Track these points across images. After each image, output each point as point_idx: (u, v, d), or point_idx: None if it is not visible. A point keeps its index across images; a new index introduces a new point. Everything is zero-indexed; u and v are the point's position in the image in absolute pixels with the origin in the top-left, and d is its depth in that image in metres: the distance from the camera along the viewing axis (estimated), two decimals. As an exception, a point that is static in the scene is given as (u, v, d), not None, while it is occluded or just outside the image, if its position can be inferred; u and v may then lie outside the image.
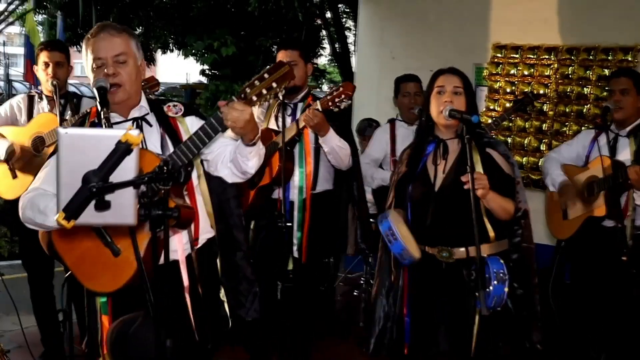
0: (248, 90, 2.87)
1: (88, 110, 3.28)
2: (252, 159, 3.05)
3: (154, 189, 2.35)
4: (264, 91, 2.87)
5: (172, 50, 15.23)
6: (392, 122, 5.52)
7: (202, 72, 15.25)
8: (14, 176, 4.56)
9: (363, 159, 5.15)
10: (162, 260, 2.83)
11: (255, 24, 13.40)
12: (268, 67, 2.92)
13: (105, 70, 2.90)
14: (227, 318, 3.20)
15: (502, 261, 3.15)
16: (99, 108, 2.80)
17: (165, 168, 2.33)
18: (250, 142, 2.98)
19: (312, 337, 4.97)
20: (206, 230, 3.15)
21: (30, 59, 8.51)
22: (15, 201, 4.06)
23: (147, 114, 3.04)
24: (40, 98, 4.80)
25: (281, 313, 4.71)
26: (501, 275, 3.08)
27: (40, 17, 14.87)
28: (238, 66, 13.58)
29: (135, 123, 3.02)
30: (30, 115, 4.75)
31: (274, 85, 2.88)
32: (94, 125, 3.02)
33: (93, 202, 2.21)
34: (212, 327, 3.10)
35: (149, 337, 2.61)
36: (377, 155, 5.41)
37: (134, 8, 12.89)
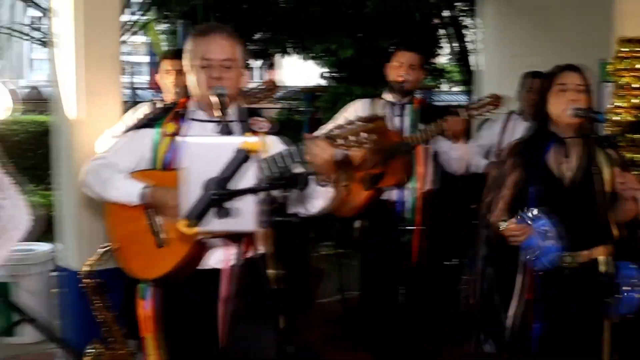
0: (336, 132, 2.81)
1: (173, 102, 3.32)
2: (319, 199, 2.97)
3: (272, 196, 2.35)
4: (351, 138, 2.79)
5: (290, 54, 15.38)
6: (508, 114, 5.44)
7: (322, 75, 15.34)
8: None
9: (471, 147, 5.08)
10: (206, 265, 2.90)
11: (373, 25, 13.36)
12: (363, 116, 2.85)
13: (211, 73, 2.91)
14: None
15: (634, 266, 3.01)
16: (219, 113, 2.82)
17: (284, 175, 2.32)
18: (322, 183, 2.91)
19: (435, 343, 4.92)
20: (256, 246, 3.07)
21: (154, 68, 8.70)
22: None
23: (233, 121, 2.99)
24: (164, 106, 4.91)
25: (404, 317, 4.68)
26: (634, 281, 2.95)
27: (162, 27, 15.27)
28: (356, 68, 13.58)
29: (219, 124, 3.01)
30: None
31: (363, 135, 2.78)
32: (178, 115, 3.05)
33: (213, 210, 2.24)
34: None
35: (270, 342, 2.60)
36: (485, 142, 5.34)
37: (253, 14, 13.06)
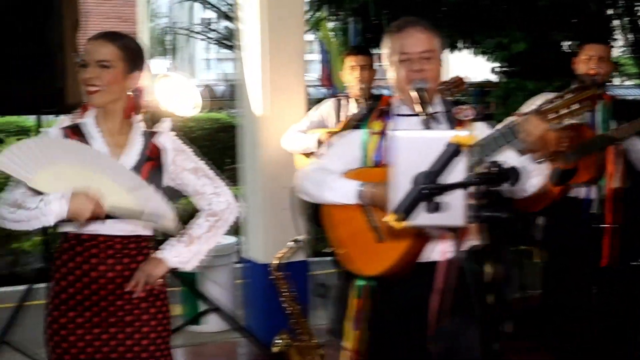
0: (547, 106, 2.74)
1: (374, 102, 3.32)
2: (536, 177, 2.91)
3: (482, 190, 2.31)
4: (564, 110, 2.72)
5: (460, 49, 15.18)
6: None
7: (492, 70, 15.04)
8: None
9: None
10: (425, 258, 2.86)
11: (546, 18, 12.96)
12: (572, 86, 2.78)
13: (411, 66, 2.90)
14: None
15: None
16: (420, 108, 2.82)
17: (495, 169, 2.28)
18: (538, 160, 2.85)
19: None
20: (471, 237, 3.01)
21: (326, 65, 8.79)
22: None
23: (438, 112, 2.97)
24: (347, 101, 4.97)
25: (595, 318, 4.53)
26: None
27: (332, 24, 15.43)
28: (529, 63, 13.22)
29: (424, 117, 2.98)
30: (338, 118, 4.94)
31: (575, 106, 2.71)
32: (382, 113, 3.05)
33: (423, 204, 2.22)
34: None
35: (475, 339, 2.56)
36: None
37: (423, 9, 12.95)
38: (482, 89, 15.35)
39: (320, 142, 4.75)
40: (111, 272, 2.82)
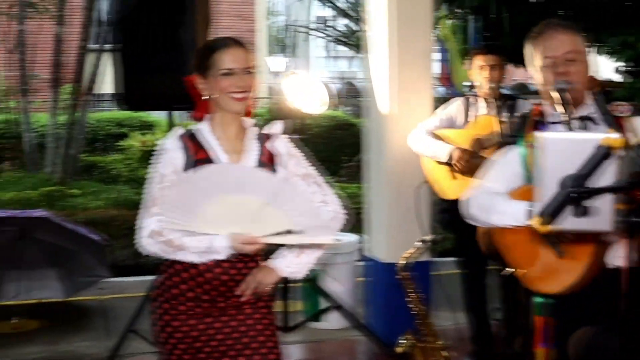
0: None
1: (528, 110, 3.24)
2: None
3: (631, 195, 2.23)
4: None
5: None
6: None
7: (616, 70, 14.57)
8: (453, 177, 4.73)
9: None
10: (607, 265, 2.75)
11: (676, 16, 12.47)
12: None
13: (557, 69, 2.83)
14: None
15: None
16: (561, 109, 2.75)
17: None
18: None
19: None
20: None
21: (445, 63, 8.76)
22: (454, 201, 4.21)
23: (594, 113, 2.89)
24: (476, 101, 4.91)
25: None
26: None
27: (450, 22, 15.26)
28: (657, 62, 12.76)
29: (581, 121, 2.90)
30: (467, 118, 4.89)
31: None
32: (537, 123, 2.97)
33: (570, 208, 2.17)
34: None
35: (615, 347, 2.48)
36: None
37: (546, 8, 12.66)
38: (605, 89, 14.92)
39: (451, 158, 4.70)
40: (225, 275, 2.85)
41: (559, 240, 2.67)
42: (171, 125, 4.95)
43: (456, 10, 14.49)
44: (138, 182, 10.64)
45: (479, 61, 4.85)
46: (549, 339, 2.91)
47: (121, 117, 14.39)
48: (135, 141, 12.47)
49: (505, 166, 3.01)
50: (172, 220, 2.73)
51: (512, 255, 2.95)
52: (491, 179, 3.02)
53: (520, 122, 3.08)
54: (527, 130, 2.96)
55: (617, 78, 14.62)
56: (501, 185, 2.95)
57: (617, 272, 2.75)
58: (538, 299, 2.94)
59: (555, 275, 2.79)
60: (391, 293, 4.91)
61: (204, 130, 2.92)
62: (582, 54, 2.87)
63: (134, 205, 9.42)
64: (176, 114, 5.44)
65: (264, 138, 2.96)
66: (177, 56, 4.33)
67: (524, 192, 2.84)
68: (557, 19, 3.01)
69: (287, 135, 3.03)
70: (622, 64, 14.27)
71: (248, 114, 2.94)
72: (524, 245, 2.86)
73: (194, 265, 2.84)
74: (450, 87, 9.07)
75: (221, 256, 2.76)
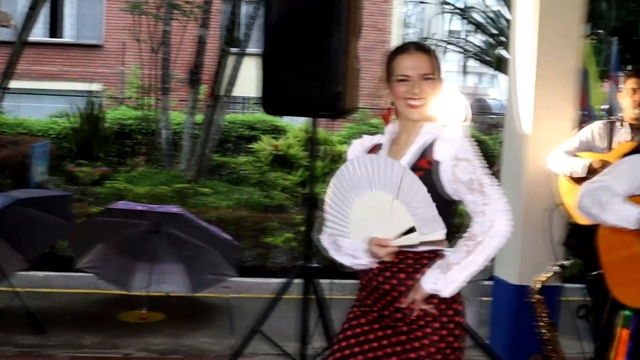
0: None
1: None
2: None
3: None
4: None
5: None
6: None
7: None
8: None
9: None
10: None
11: None
12: None
13: None
14: None
15: None
16: None
17: None
18: None
19: None
20: None
21: (585, 85, 8.51)
22: (585, 226, 4.07)
23: None
24: (621, 125, 4.75)
25: None
26: None
27: (591, 43, 14.88)
28: None
29: None
30: (609, 143, 4.74)
31: None
32: None
33: None
34: None
35: None
36: None
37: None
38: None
39: (590, 169, 4.56)
40: (387, 285, 2.80)
41: None
42: (313, 132, 5.00)
43: (598, 31, 14.14)
44: (267, 185, 10.86)
45: (631, 84, 4.69)
46: (629, 354, 2.83)
47: (254, 120, 14.69)
48: (266, 144, 12.66)
49: (632, 171, 2.93)
50: (329, 224, 2.77)
51: (607, 256, 2.87)
52: (614, 177, 2.96)
53: None
54: None
55: None
56: (621, 187, 2.89)
57: None
58: (627, 312, 2.84)
59: None
60: (518, 316, 4.81)
61: (383, 137, 2.93)
62: None
63: (263, 208, 9.63)
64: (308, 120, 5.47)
65: (432, 143, 2.82)
66: (324, 63, 4.36)
67: None
68: None
69: (466, 139, 2.82)
70: None
71: (428, 120, 2.86)
72: (622, 251, 2.80)
73: (365, 272, 2.84)
74: (586, 109, 8.82)
75: (363, 261, 2.74)
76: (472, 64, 19.17)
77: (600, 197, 2.87)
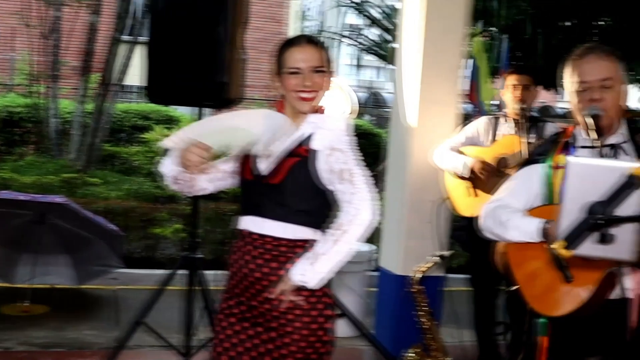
0: None
1: (557, 132, 3.21)
2: None
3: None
4: None
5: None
6: None
7: (643, 100, 14.51)
8: (472, 195, 4.71)
9: None
10: (614, 295, 2.71)
11: None
12: None
13: (590, 95, 2.80)
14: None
15: None
16: (594, 135, 2.73)
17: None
18: None
19: None
20: None
21: (474, 81, 8.69)
22: (471, 219, 4.19)
23: (625, 142, 2.85)
24: (505, 120, 4.89)
25: None
26: None
27: (480, 40, 15.20)
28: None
29: (611, 149, 2.86)
30: (493, 137, 4.87)
31: None
32: (567, 145, 2.94)
33: (592, 234, 2.16)
34: None
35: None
36: None
37: (581, 33, 12.63)
38: (632, 118, 14.82)
39: (471, 171, 4.70)
40: (257, 273, 2.80)
41: (568, 265, 2.65)
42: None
43: (490, 28, 14.46)
44: (159, 176, 10.63)
45: (512, 80, 4.84)
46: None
47: (147, 109, 14.44)
48: (158, 134, 12.47)
49: (526, 184, 2.99)
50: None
51: (519, 271, 2.93)
52: (510, 194, 3.01)
53: (549, 143, 3.06)
54: (555, 151, 2.95)
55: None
56: (519, 202, 2.94)
57: (621, 303, 2.73)
58: (542, 320, 2.92)
59: (559, 298, 2.77)
60: (402, 306, 4.88)
61: None
62: (618, 82, 2.85)
63: (153, 198, 9.47)
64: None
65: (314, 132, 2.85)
66: (210, 53, 4.33)
67: (542, 212, 2.83)
68: (597, 43, 2.98)
69: (344, 130, 2.87)
70: (648, 93, 14.24)
71: (316, 112, 2.88)
72: (530, 264, 2.85)
73: (236, 261, 2.85)
74: (477, 104, 9.01)
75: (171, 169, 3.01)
76: (370, 58, 19.33)
77: (500, 216, 2.91)
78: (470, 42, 13.71)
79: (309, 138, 2.83)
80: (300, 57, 2.81)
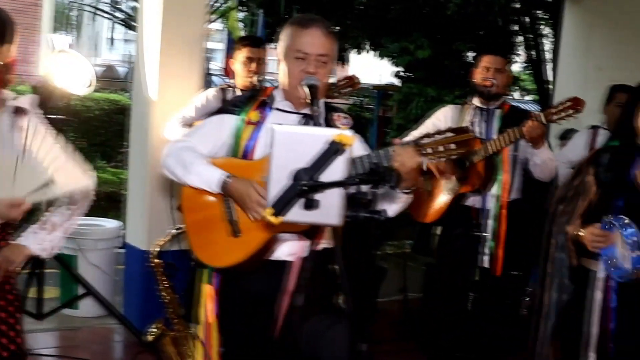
0: (425, 140, 2.79)
1: (257, 89, 3.27)
2: (398, 204, 2.93)
3: (361, 191, 2.28)
4: (441, 148, 2.78)
5: (367, 51, 15.32)
6: (594, 128, 5.32)
7: (397, 75, 15.20)
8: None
9: (558, 158, 4.91)
10: (274, 257, 2.87)
11: (452, 28, 13.25)
12: (453, 127, 2.85)
13: (306, 66, 2.86)
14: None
15: None
16: (309, 104, 2.80)
17: (376, 170, 2.25)
18: (404, 190, 2.84)
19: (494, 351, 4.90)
20: (326, 240, 2.94)
21: (231, 54, 8.76)
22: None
23: (318, 114, 2.90)
24: (234, 92, 4.90)
25: (472, 323, 4.66)
26: None
27: (241, 15, 15.32)
28: (432, 70, 13.47)
29: (304, 118, 2.97)
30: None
31: (452, 147, 2.78)
32: (263, 103, 3.01)
33: (300, 200, 2.19)
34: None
35: (344, 339, 2.53)
36: (572, 157, 5.18)
37: (332, 8, 13.04)
38: (385, 91, 15.55)
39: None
40: None
41: (239, 220, 2.77)
42: None
43: (245, 2, 14.59)
44: None
45: (244, 53, 4.85)
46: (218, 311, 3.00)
47: None
48: None
49: (216, 131, 3.01)
50: None
51: (190, 218, 2.98)
52: (198, 139, 3.01)
53: (246, 97, 3.10)
54: (251, 106, 3.00)
55: (397, 82, 15.30)
56: (206, 148, 2.96)
57: (281, 264, 2.88)
58: (207, 269, 3.00)
59: (223, 250, 2.87)
60: (146, 281, 4.80)
61: None
62: (332, 58, 2.93)
63: None
64: None
65: (18, 112, 2.78)
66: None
67: (226, 164, 2.89)
68: (321, 17, 3.03)
69: (41, 112, 2.88)
70: (401, 69, 14.95)
71: (1, 84, 2.75)
72: (204, 212, 2.92)
73: None
74: (234, 78, 9.07)
75: None
76: (129, 31, 18.88)
77: (184, 157, 2.90)
78: (227, 16, 13.83)
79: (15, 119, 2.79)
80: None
